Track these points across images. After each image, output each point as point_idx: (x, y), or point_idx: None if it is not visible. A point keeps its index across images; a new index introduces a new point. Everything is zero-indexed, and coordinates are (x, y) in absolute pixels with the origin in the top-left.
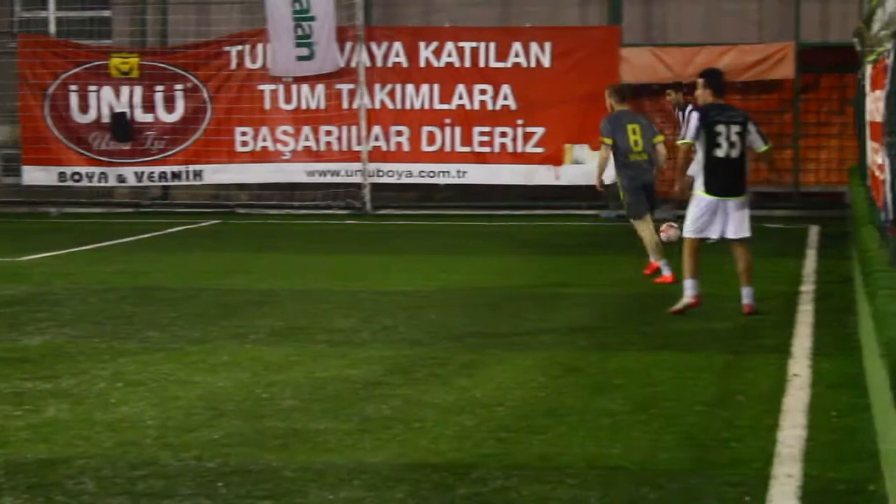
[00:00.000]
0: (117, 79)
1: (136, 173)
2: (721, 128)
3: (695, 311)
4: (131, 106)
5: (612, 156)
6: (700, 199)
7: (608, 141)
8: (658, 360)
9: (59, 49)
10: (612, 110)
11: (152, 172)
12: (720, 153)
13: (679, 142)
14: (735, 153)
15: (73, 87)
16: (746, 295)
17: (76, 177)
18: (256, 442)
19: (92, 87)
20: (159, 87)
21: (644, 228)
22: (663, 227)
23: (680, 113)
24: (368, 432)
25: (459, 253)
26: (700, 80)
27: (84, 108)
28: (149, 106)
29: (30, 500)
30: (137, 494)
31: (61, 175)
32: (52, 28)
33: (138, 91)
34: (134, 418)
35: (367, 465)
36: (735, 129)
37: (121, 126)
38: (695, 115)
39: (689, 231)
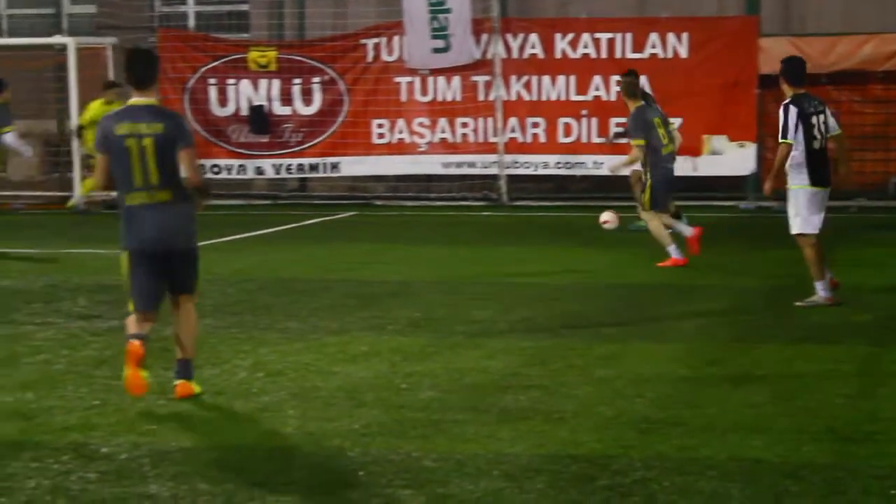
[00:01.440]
0: (255, 72)
1: (274, 165)
2: (814, 119)
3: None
4: (269, 99)
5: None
6: (806, 192)
7: (642, 142)
8: (799, 351)
9: (199, 43)
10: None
11: (290, 164)
12: (816, 145)
13: (782, 140)
14: (824, 143)
15: (212, 81)
16: (825, 287)
17: (215, 169)
18: (396, 432)
19: (230, 81)
20: (297, 80)
21: (657, 220)
22: (605, 215)
23: None
24: (507, 423)
25: (595, 244)
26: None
27: (223, 102)
28: (286, 99)
29: (174, 489)
30: (279, 483)
31: (201, 168)
32: (192, 22)
33: (276, 84)
34: (275, 408)
35: (507, 455)
36: (821, 118)
37: (259, 119)
38: (792, 111)
39: (807, 227)
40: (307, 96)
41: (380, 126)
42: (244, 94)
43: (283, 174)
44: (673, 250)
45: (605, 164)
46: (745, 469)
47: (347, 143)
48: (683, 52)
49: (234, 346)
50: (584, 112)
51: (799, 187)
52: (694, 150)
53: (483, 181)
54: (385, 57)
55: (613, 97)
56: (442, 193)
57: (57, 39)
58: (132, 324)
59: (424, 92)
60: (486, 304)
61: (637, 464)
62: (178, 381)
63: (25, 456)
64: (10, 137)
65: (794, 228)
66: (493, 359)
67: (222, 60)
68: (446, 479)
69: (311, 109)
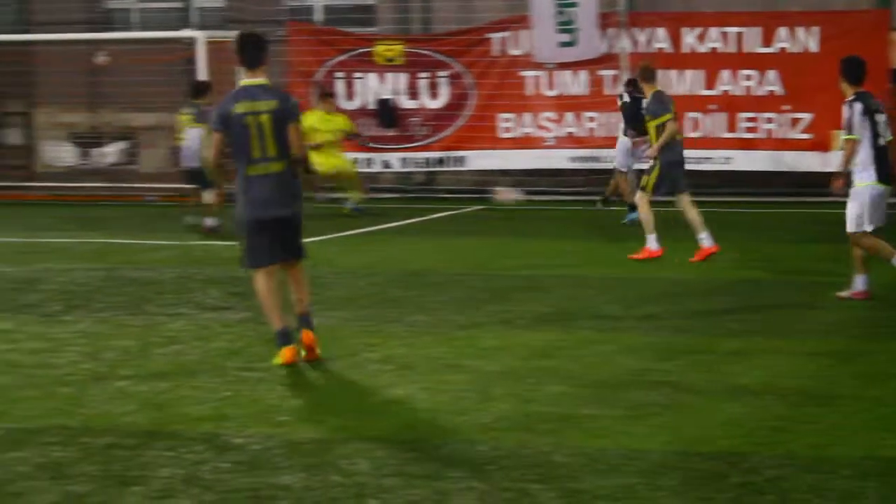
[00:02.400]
0: (382, 66)
1: (401, 159)
2: (878, 116)
3: None
4: (396, 93)
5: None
6: (871, 190)
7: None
8: None
9: (326, 37)
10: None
11: (417, 158)
12: (881, 141)
13: (845, 137)
14: (886, 140)
15: (340, 75)
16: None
17: None
18: (526, 426)
19: (357, 75)
20: (423, 74)
21: (648, 205)
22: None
23: None
24: (638, 419)
25: (722, 240)
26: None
27: (350, 95)
28: (413, 92)
29: (306, 480)
30: (410, 476)
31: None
32: (319, 16)
33: (403, 78)
34: (405, 401)
35: (638, 451)
36: (882, 117)
37: (386, 113)
38: (857, 107)
39: (867, 224)
40: (434, 90)
41: (506, 120)
42: (371, 88)
43: (411, 168)
44: (652, 241)
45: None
46: (880, 468)
47: (474, 137)
48: (813, 47)
49: (363, 340)
50: (711, 107)
51: (865, 184)
52: (824, 146)
53: (609, 176)
54: (511, 51)
55: (742, 91)
56: (568, 188)
57: (186, 33)
58: (265, 293)
59: (551, 86)
60: (614, 299)
61: (769, 461)
62: (303, 330)
63: (159, 445)
64: None
65: (853, 227)
66: (621, 354)
67: (349, 54)
68: (577, 475)
69: (438, 103)
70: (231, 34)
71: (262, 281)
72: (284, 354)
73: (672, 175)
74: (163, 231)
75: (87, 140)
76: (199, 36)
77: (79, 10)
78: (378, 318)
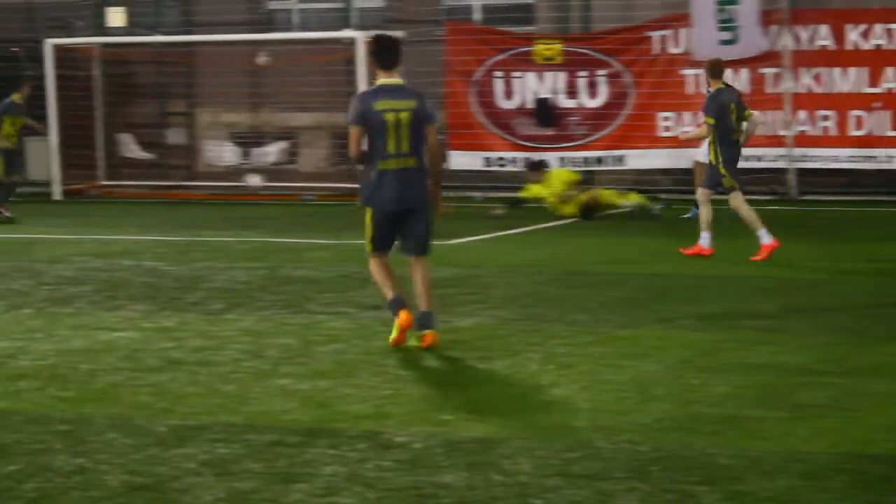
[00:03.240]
0: (541, 65)
1: (559, 158)
2: None
3: None
4: (554, 91)
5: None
6: None
7: (712, 121)
8: None
9: (485, 36)
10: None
11: (575, 157)
12: None
13: None
14: None
15: (498, 74)
16: None
17: (500, 162)
18: (689, 427)
19: (516, 74)
20: (582, 73)
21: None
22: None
23: None
24: (803, 420)
25: (885, 241)
26: None
27: (508, 94)
28: (572, 91)
29: (468, 479)
30: (572, 476)
31: (486, 160)
32: (478, 15)
33: (561, 77)
34: (566, 401)
35: (803, 453)
36: None
37: (544, 112)
38: None
39: None
40: (592, 89)
41: (665, 119)
42: (530, 87)
43: (568, 167)
44: (763, 234)
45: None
46: None
47: (633, 136)
48: None
49: (524, 339)
50: (875, 105)
51: None
52: None
53: (771, 175)
54: (671, 49)
55: None
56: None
57: (346, 33)
58: (378, 270)
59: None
60: (775, 300)
61: None
62: (424, 332)
63: (322, 443)
64: None
65: None
66: (785, 354)
67: (508, 53)
68: (741, 476)
69: (597, 102)
70: (391, 34)
71: (375, 264)
72: (401, 318)
73: (735, 169)
74: (322, 230)
75: (248, 140)
76: (359, 36)
77: (241, 11)
78: (538, 317)
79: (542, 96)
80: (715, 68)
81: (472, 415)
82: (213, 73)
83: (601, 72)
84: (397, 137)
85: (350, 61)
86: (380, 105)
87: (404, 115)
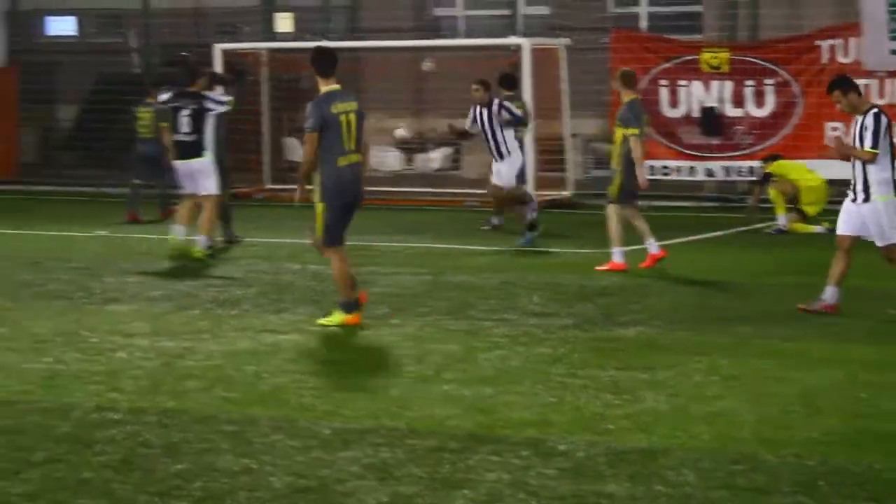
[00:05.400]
0: (707, 73)
1: (724, 168)
2: None
3: None
4: (721, 100)
5: None
6: None
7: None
8: None
9: (651, 44)
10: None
11: (741, 167)
12: None
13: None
14: None
15: (664, 82)
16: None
17: (665, 170)
18: (856, 442)
19: (682, 82)
20: (749, 82)
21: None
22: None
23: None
24: None
25: None
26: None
27: (674, 103)
28: (738, 100)
29: (631, 489)
30: (737, 489)
31: (651, 169)
32: (644, 23)
33: (728, 86)
34: (730, 413)
35: None
36: None
37: (710, 121)
38: (883, 120)
39: None
40: (759, 98)
41: (833, 129)
42: (696, 96)
43: (734, 177)
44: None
45: None
46: None
47: (800, 146)
48: None
49: (688, 349)
50: None
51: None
52: None
53: None
54: (840, 59)
55: None
56: None
57: (511, 40)
58: (345, 267)
59: (882, 94)
60: None
61: None
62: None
63: (485, 449)
64: None
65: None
66: None
67: (674, 61)
68: None
69: (764, 111)
70: (557, 42)
71: (341, 259)
72: (350, 319)
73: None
74: (484, 236)
75: (413, 145)
76: (525, 43)
77: (407, 17)
78: (702, 327)
79: (708, 105)
80: (627, 77)
81: (635, 424)
82: (378, 79)
83: (768, 81)
84: (349, 136)
85: (515, 68)
86: (336, 108)
87: (352, 116)
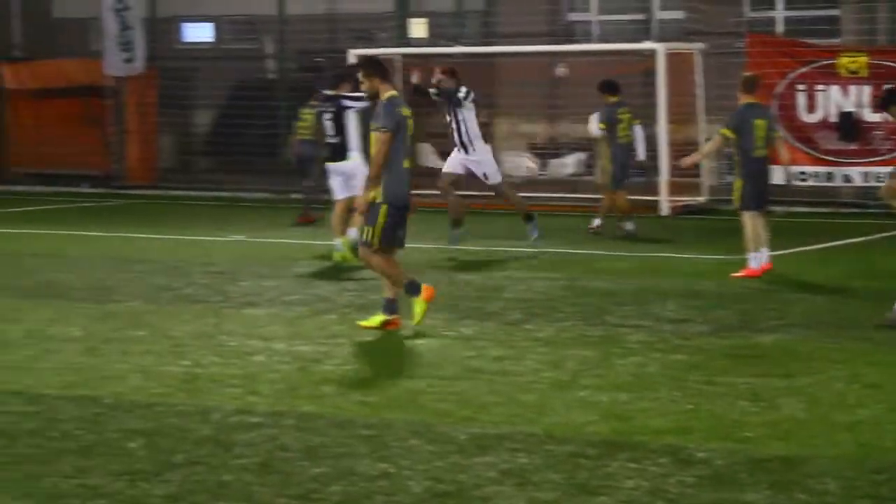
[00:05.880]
0: (845, 78)
1: (862, 173)
2: None
3: None
4: (859, 105)
5: None
6: None
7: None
8: None
9: (788, 48)
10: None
11: (880, 173)
12: None
13: None
14: None
15: (801, 87)
16: None
17: (802, 176)
18: None
19: (819, 87)
20: (888, 86)
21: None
22: None
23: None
24: None
25: None
26: None
27: (811, 108)
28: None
29: (771, 498)
30: (882, 499)
31: (788, 174)
32: (781, 27)
33: (866, 90)
34: (873, 421)
35: None
36: None
37: (848, 126)
38: None
39: None
40: None
41: None
42: (833, 101)
43: (873, 182)
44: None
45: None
46: None
47: None
48: None
49: (827, 356)
50: None
51: None
52: None
53: None
54: None
55: None
56: None
57: (646, 45)
58: (391, 264)
59: None
60: None
61: None
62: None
63: (622, 456)
64: None
65: None
66: None
67: (811, 66)
68: None
69: None
70: (692, 46)
71: (382, 258)
72: (427, 292)
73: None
74: (620, 242)
75: (546, 150)
76: (659, 48)
77: (541, 22)
78: (841, 334)
79: (846, 110)
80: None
81: (774, 432)
82: (512, 84)
83: None
84: (409, 140)
85: (649, 73)
86: (404, 111)
87: (411, 121)
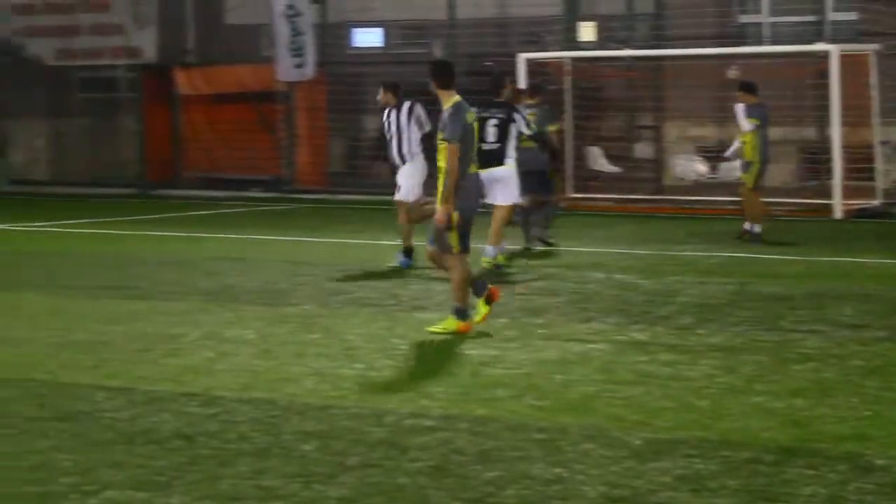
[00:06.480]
0: None
1: None
2: None
3: None
4: None
5: None
6: None
7: None
8: None
9: None
10: None
11: None
12: None
13: None
14: None
15: None
16: None
17: None
18: None
19: None
20: None
21: None
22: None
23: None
24: None
25: None
26: None
27: None
28: None
29: None
30: None
31: None
32: None
33: None
34: None
35: None
36: None
37: None
38: None
39: None
40: None
41: None
42: None
43: None
44: None
45: None
46: None
47: None
48: None
49: None
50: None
51: None
52: None
53: None
54: None
55: None
56: None
57: (819, 47)
58: (463, 264)
59: None
60: None
61: None
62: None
63: (800, 463)
64: None
65: None
66: None
67: None
68: None
69: None
70: (866, 47)
71: (466, 265)
72: (463, 327)
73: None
74: (791, 246)
75: (716, 154)
76: (833, 49)
77: (711, 25)
78: None
79: None
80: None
81: None
82: (682, 87)
83: None
84: (475, 145)
85: (822, 74)
86: (469, 118)
87: (475, 126)
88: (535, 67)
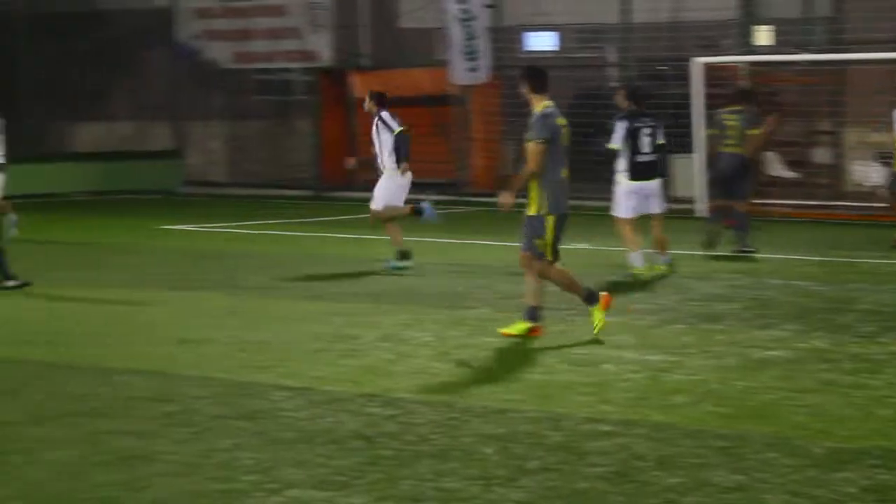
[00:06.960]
0: None
1: None
2: None
3: None
4: None
5: None
6: None
7: None
8: None
9: None
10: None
11: None
12: None
13: None
14: None
15: None
16: None
17: None
18: None
19: None
20: None
21: None
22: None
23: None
24: None
25: None
26: None
27: None
28: None
29: None
30: None
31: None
32: None
33: None
34: None
35: None
36: None
37: None
38: None
39: None
40: None
41: None
42: None
43: None
44: None
45: None
46: None
47: None
48: None
49: None
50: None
51: None
52: None
53: None
54: None
55: None
56: None
57: None
58: (566, 274)
59: None
60: None
61: None
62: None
63: None
64: None
65: None
66: None
67: None
68: None
69: None
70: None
71: (559, 270)
72: (534, 329)
73: None
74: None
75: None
76: None
77: (892, 28)
78: None
79: None
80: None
81: None
82: (862, 92)
83: None
84: (566, 149)
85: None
86: (559, 121)
87: (567, 130)
88: (709, 72)
